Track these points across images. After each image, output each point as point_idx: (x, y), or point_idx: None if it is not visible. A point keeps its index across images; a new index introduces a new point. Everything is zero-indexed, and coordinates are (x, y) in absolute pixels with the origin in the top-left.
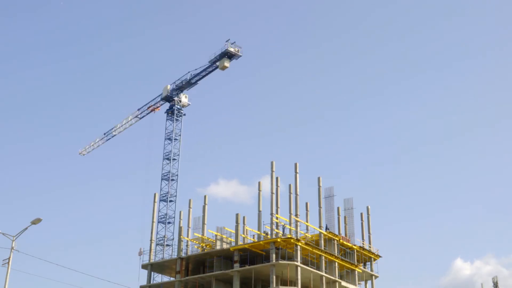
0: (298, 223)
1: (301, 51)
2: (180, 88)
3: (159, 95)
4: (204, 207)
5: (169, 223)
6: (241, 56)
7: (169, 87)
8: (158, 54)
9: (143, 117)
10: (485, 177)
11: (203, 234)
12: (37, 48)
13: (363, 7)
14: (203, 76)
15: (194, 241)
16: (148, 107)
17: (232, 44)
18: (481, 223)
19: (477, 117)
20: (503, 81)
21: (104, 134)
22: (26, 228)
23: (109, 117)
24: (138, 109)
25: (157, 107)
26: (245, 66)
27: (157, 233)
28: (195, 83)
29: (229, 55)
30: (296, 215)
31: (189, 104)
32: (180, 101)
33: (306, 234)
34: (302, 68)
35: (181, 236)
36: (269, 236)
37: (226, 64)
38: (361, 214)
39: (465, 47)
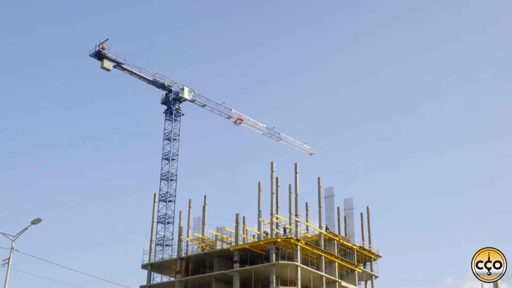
0: (298, 223)
1: (303, 53)
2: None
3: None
4: (204, 207)
5: (168, 223)
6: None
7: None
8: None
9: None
10: (486, 179)
11: (203, 234)
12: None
13: (363, 12)
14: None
15: (194, 241)
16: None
17: None
18: (480, 224)
19: (480, 119)
20: (501, 84)
21: None
22: (26, 228)
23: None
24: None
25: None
26: (246, 67)
27: (156, 233)
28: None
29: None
30: (296, 215)
31: (187, 100)
32: (182, 96)
33: (306, 234)
34: (303, 68)
35: (181, 236)
36: (269, 236)
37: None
38: (361, 214)
39: (465, 50)
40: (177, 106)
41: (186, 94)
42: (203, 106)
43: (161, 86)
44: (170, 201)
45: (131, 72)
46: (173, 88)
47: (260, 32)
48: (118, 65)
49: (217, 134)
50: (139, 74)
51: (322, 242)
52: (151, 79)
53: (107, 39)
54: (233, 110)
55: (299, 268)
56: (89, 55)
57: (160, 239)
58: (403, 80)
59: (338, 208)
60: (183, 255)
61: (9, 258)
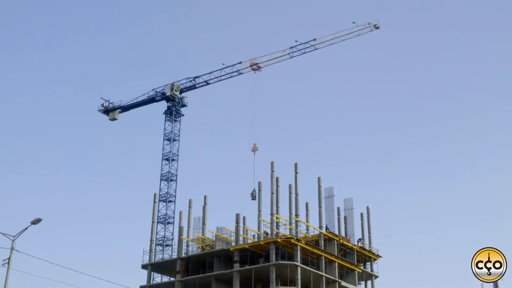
0: (298, 223)
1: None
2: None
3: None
4: (204, 207)
5: (168, 223)
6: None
7: (179, 86)
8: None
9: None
10: (486, 178)
11: (203, 234)
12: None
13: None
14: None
15: (194, 241)
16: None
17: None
18: (480, 224)
19: (480, 117)
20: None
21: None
22: (26, 228)
23: None
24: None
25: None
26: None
27: (156, 233)
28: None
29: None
30: (296, 215)
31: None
32: (181, 101)
33: (306, 234)
34: (303, 67)
35: (181, 236)
36: (269, 236)
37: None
38: (361, 214)
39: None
40: (177, 107)
41: (186, 101)
42: (207, 84)
43: (163, 99)
44: (170, 201)
45: (133, 106)
46: (175, 98)
47: (259, 31)
48: (122, 109)
49: (215, 134)
50: (140, 102)
51: (322, 242)
52: (150, 97)
53: (107, 100)
54: (242, 62)
55: (299, 268)
56: (98, 110)
57: (160, 239)
58: (403, 78)
59: (338, 208)
60: (183, 255)
61: (9, 258)
